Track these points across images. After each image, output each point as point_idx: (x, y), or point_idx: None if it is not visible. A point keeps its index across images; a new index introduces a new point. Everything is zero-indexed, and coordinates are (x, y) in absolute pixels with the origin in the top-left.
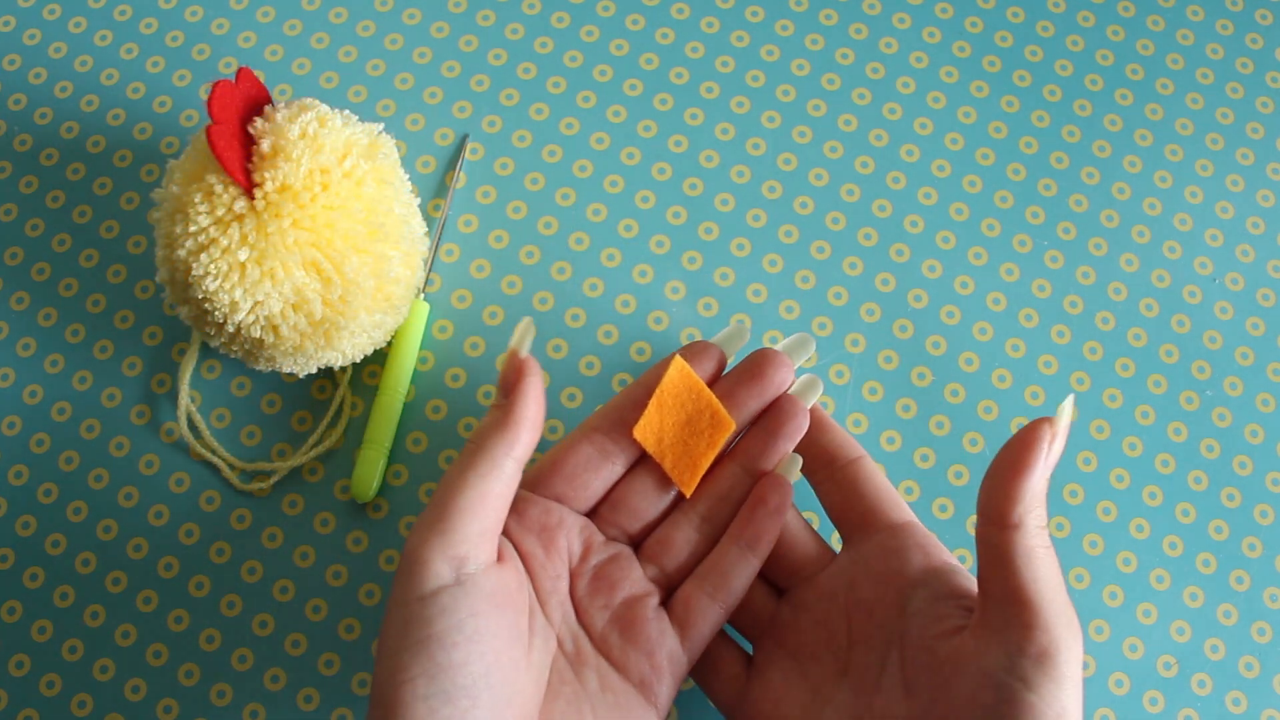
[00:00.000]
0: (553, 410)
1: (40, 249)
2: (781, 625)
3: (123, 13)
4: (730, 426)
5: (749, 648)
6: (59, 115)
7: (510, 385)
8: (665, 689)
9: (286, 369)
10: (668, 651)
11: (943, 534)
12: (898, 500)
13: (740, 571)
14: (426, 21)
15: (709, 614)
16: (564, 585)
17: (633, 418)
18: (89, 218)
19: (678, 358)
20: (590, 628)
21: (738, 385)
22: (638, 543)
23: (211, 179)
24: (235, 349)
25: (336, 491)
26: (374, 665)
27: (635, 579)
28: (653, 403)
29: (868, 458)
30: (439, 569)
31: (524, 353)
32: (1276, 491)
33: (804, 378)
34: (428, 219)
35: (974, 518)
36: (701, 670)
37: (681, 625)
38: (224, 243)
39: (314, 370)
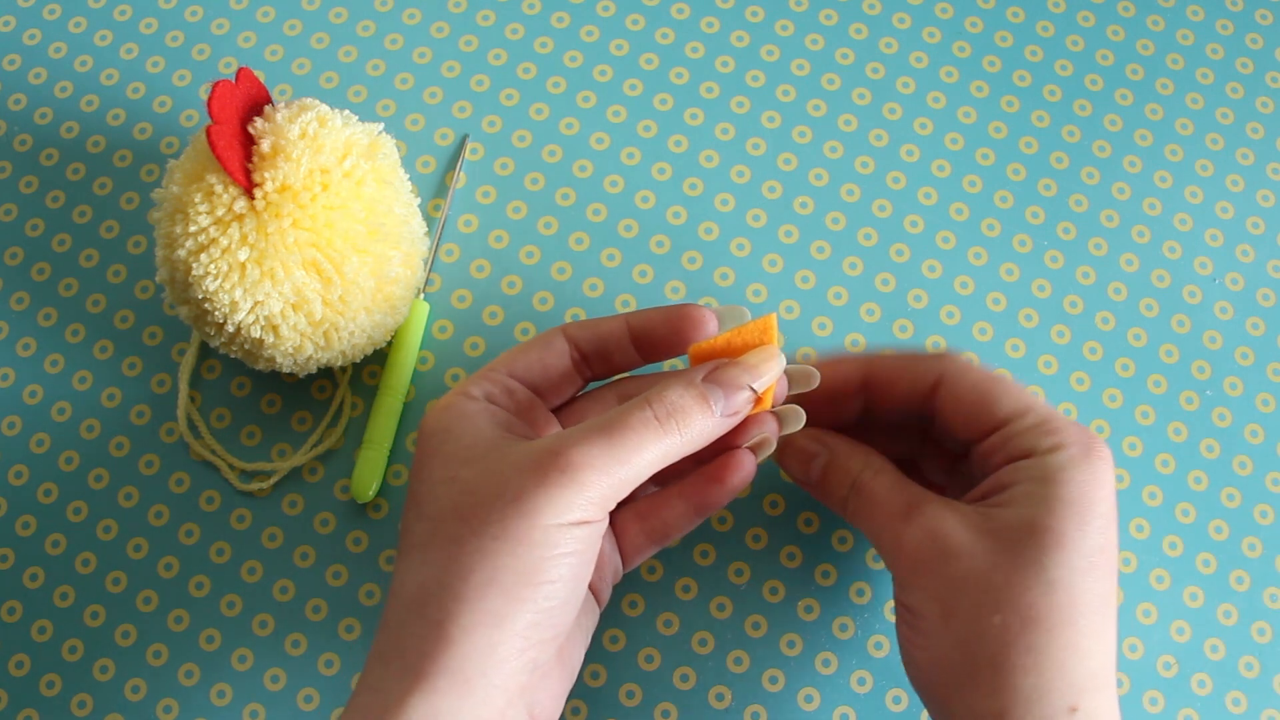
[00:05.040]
0: None
1: (40, 249)
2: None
3: (123, 13)
4: (766, 406)
5: None
6: (59, 115)
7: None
8: (607, 593)
9: (286, 369)
10: (613, 567)
11: None
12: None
13: (682, 526)
14: (426, 21)
15: (645, 550)
16: None
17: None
18: (89, 218)
19: (774, 315)
20: None
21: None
22: None
23: (211, 179)
24: (235, 349)
25: (336, 491)
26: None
27: None
28: (725, 336)
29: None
30: (591, 498)
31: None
32: (1276, 491)
33: (786, 407)
34: (428, 219)
35: None
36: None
37: (621, 550)
38: (224, 243)
39: (314, 370)
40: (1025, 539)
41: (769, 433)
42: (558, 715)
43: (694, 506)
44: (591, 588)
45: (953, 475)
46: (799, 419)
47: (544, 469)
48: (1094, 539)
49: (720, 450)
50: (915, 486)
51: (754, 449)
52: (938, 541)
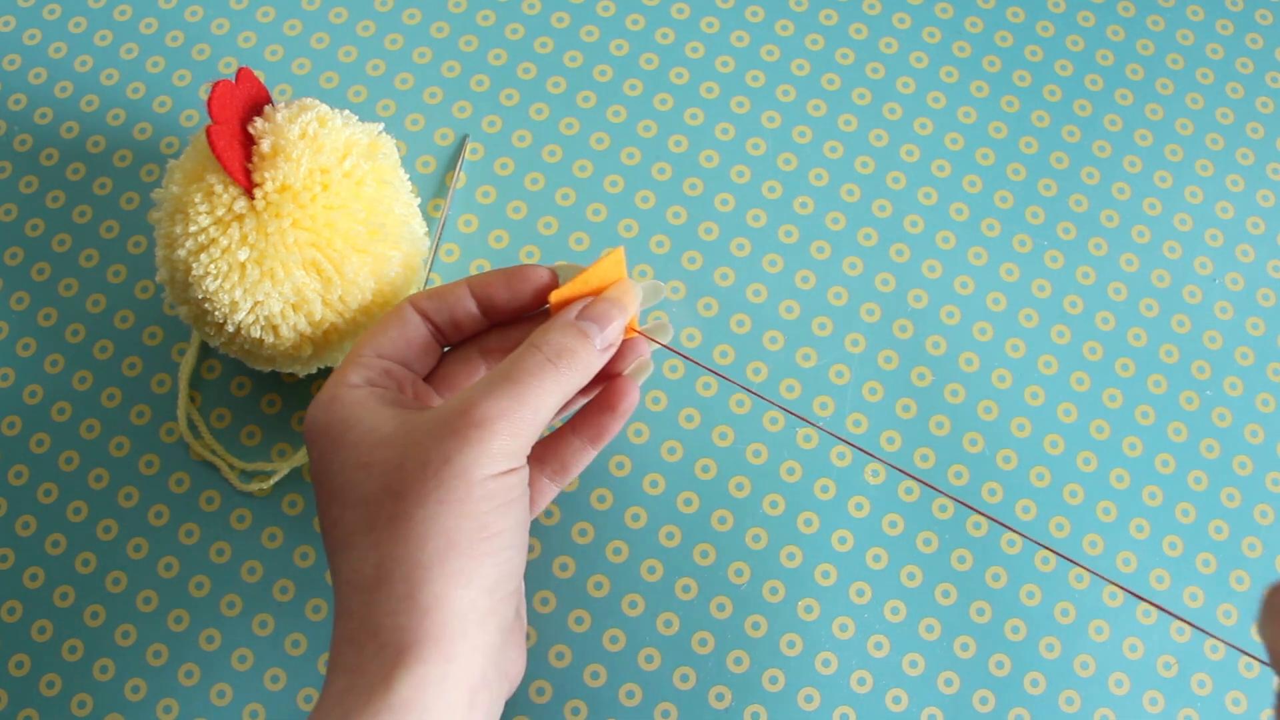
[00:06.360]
0: None
1: (40, 249)
2: None
3: (123, 13)
4: (633, 333)
5: None
6: (59, 115)
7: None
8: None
9: (286, 369)
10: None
11: (942, 534)
12: None
13: (580, 461)
14: (426, 21)
15: (549, 492)
16: None
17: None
18: (89, 218)
19: (621, 249)
20: None
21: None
22: None
23: (211, 179)
24: (235, 349)
25: None
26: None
27: None
28: (580, 278)
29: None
30: (512, 447)
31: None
32: (1276, 491)
33: (652, 322)
34: (428, 219)
35: (974, 518)
36: None
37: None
38: (224, 243)
39: (314, 370)
40: None
41: (644, 355)
42: (523, 673)
43: (589, 439)
44: None
45: None
46: (667, 332)
47: (460, 429)
48: None
49: (600, 381)
50: None
51: (634, 373)
52: None
